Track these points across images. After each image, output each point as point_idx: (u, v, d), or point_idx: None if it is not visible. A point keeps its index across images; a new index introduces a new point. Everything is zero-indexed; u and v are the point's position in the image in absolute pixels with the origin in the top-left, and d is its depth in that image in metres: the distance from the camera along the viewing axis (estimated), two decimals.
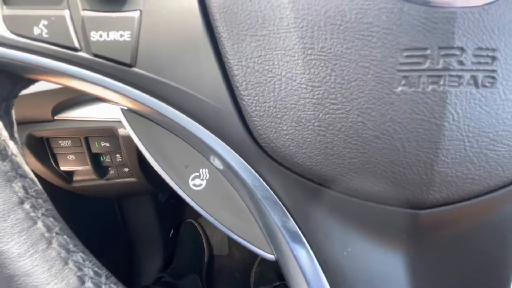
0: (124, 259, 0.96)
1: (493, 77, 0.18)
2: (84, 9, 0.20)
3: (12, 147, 0.23)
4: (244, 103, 0.20)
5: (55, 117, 0.52)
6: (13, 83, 0.25)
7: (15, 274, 0.20)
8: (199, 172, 0.25)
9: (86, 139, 0.55)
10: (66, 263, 0.21)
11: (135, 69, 0.21)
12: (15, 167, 0.22)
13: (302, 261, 0.23)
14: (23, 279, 0.20)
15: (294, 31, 0.19)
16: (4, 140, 0.23)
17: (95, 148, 0.56)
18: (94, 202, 0.80)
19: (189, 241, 1.08)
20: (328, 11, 0.18)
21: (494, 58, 0.18)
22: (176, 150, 0.25)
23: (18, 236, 0.21)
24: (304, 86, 0.19)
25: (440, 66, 0.18)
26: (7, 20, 0.21)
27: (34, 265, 0.21)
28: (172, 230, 1.07)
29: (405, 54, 0.18)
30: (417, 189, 0.20)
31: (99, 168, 0.59)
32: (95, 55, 0.21)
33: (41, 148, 0.55)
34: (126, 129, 0.25)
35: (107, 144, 0.56)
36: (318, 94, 0.19)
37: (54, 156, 0.57)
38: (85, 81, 0.22)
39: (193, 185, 0.25)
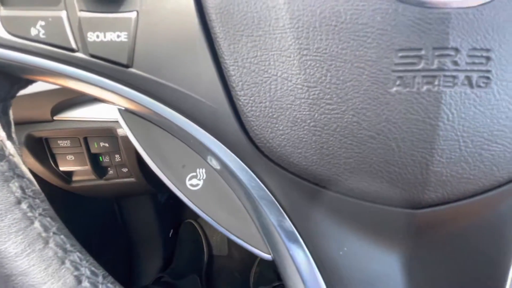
0: (123, 259, 0.96)
1: (488, 77, 0.18)
2: (81, 10, 0.20)
3: (10, 147, 0.23)
4: (240, 103, 0.20)
5: (54, 118, 0.52)
6: (11, 83, 0.25)
7: (12, 273, 0.20)
8: (196, 172, 0.25)
9: (85, 139, 0.55)
10: (63, 263, 0.22)
11: (132, 70, 0.21)
12: (13, 167, 0.22)
13: (298, 261, 0.23)
14: (20, 279, 0.20)
15: (290, 31, 0.19)
16: (1, 141, 0.23)
17: (94, 148, 0.56)
18: (94, 202, 0.80)
19: (188, 241, 1.08)
20: (323, 11, 0.18)
21: (488, 59, 0.18)
22: (173, 150, 0.25)
23: (15, 235, 0.21)
24: (299, 86, 0.19)
25: (434, 67, 0.18)
26: (4, 20, 0.21)
27: (31, 265, 0.21)
28: (172, 230, 1.08)
29: (400, 54, 0.18)
30: (412, 188, 0.20)
31: (98, 168, 0.59)
32: (92, 56, 0.21)
33: (40, 148, 0.55)
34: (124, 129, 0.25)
35: (106, 144, 0.56)
36: (314, 94, 0.19)
37: (53, 156, 0.57)
38: (82, 82, 0.22)
39: (190, 185, 0.25)
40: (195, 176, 0.25)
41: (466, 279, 0.23)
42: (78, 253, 0.23)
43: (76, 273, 0.22)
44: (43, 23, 0.21)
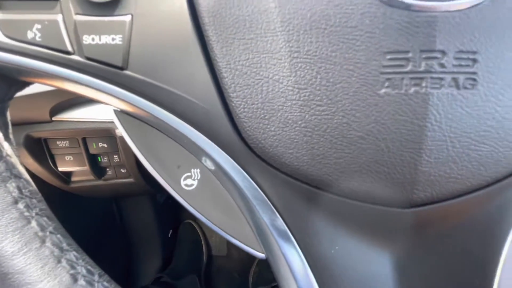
0: (122, 260, 0.96)
1: (474, 79, 0.18)
2: (76, 14, 0.21)
3: (7, 148, 0.24)
4: (233, 104, 0.21)
5: (53, 118, 0.52)
6: (8, 85, 0.25)
7: (9, 272, 0.21)
8: (190, 172, 0.25)
9: (84, 140, 0.56)
10: (59, 261, 0.22)
11: (127, 72, 0.21)
12: (10, 167, 0.23)
13: (291, 259, 0.23)
14: (17, 277, 0.21)
15: (281, 34, 0.19)
16: None
17: (92, 149, 0.57)
18: (92, 202, 0.80)
19: (187, 242, 1.08)
20: (313, 15, 0.19)
21: (474, 61, 0.18)
22: (168, 150, 0.25)
23: (12, 234, 0.21)
24: (290, 88, 0.20)
25: (422, 69, 0.18)
26: (2, 24, 0.21)
27: (28, 263, 0.21)
28: (171, 231, 1.08)
29: (388, 57, 0.18)
30: (401, 188, 0.20)
31: (97, 168, 0.59)
32: (88, 58, 0.21)
33: (39, 149, 0.56)
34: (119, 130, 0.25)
35: (105, 145, 0.57)
36: (304, 96, 0.20)
37: (52, 157, 0.57)
38: (78, 84, 0.23)
39: (185, 185, 0.25)
40: (190, 176, 0.25)
41: (455, 277, 0.23)
42: (74, 252, 0.23)
43: (72, 271, 0.22)
44: (39, 26, 0.21)
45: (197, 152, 0.24)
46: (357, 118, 0.19)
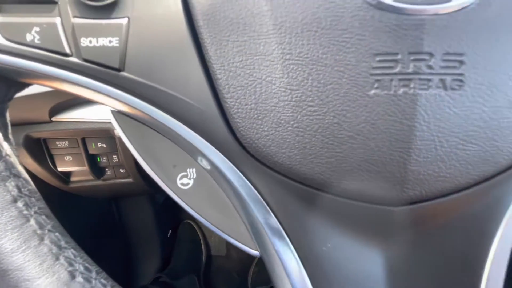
0: (122, 260, 0.96)
1: (461, 80, 0.19)
2: (74, 16, 0.21)
3: (6, 148, 0.24)
4: (227, 105, 0.21)
5: (52, 119, 0.53)
6: (8, 86, 0.26)
7: (8, 268, 0.21)
8: (186, 171, 0.26)
9: (83, 140, 0.56)
10: (57, 259, 0.22)
11: (124, 73, 0.22)
12: (9, 167, 0.23)
13: (284, 257, 0.24)
14: (16, 273, 0.21)
15: (273, 37, 0.20)
16: None
17: (92, 149, 0.57)
18: (92, 202, 0.81)
19: (187, 242, 1.08)
20: (305, 18, 0.19)
21: (461, 62, 0.19)
22: (164, 150, 0.26)
23: (11, 232, 0.22)
24: (283, 89, 0.20)
25: (410, 70, 0.19)
26: (1, 27, 0.22)
27: (26, 260, 0.22)
28: (170, 231, 1.08)
29: (377, 59, 0.19)
30: (391, 186, 0.21)
31: (96, 168, 0.60)
32: (85, 60, 0.22)
33: (38, 149, 0.56)
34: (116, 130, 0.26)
35: (104, 145, 0.57)
36: (296, 96, 0.20)
37: (51, 157, 0.58)
38: (76, 85, 0.23)
39: (181, 184, 0.26)
40: (186, 176, 0.26)
41: (444, 275, 0.23)
42: (72, 250, 0.24)
43: (70, 268, 0.23)
44: (38, 29, 0.22)
45: (193, 152, 0.25)
46: (348, 118, 0.20)
